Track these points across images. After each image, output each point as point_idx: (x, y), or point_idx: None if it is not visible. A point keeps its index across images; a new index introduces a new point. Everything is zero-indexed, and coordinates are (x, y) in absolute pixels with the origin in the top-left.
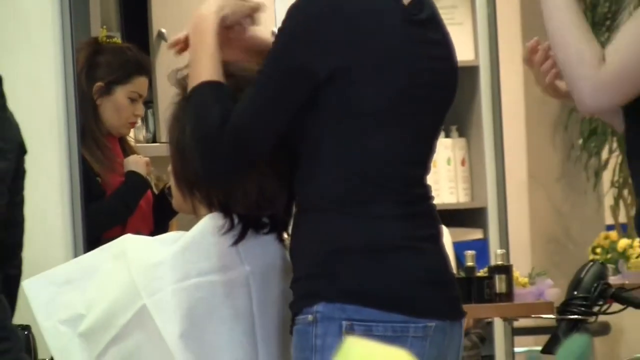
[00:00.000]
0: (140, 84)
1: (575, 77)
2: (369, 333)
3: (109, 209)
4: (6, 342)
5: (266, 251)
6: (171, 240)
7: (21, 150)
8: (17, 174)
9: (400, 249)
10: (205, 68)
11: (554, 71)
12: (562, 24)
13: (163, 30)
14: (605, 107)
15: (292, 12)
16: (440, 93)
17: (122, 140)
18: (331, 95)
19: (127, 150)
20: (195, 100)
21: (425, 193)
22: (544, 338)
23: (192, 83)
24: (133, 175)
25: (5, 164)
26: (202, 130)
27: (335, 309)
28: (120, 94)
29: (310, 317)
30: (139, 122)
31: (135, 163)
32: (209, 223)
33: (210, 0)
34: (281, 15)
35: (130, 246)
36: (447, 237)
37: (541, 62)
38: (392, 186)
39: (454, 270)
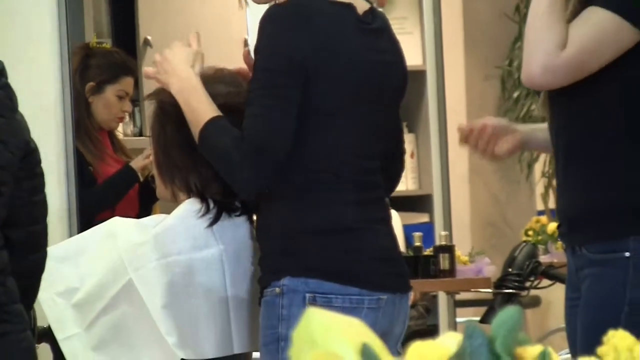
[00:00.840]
0: (127, 83)
1: (531, 54)
2: (329, 304)
3: (102, 194)
4: (6, 325)
5: (238, 232)
6: (154, 223)
7: (28, 148)
8: (31, 174)
9: (355, 230)
10: (204, 111)
11: (490, 149)
12: (536, 11)
13: (149, 37)
14: (550, 86)
15: (262, 25)
16: (390, 93)
17: (111, 134)
18: (303, 92)
19: (116, 143)
20: (205, 141)
21: (377, 181)
22: (482, 309)
23: (197, 128)
24: (129, 169)
25: (8, 155)
26: (224, 163)
27: (300, 283)
28: (110, 92)
29: (277, 289)
30: (127, 117)
31: (136, 161)
32: (187, 207)
33: (175, 61)
34: (252, 24)
35: (118, 227)
36: (398, 220)
37: (475, 143)
38: (347, 176)
39: (404, 250)
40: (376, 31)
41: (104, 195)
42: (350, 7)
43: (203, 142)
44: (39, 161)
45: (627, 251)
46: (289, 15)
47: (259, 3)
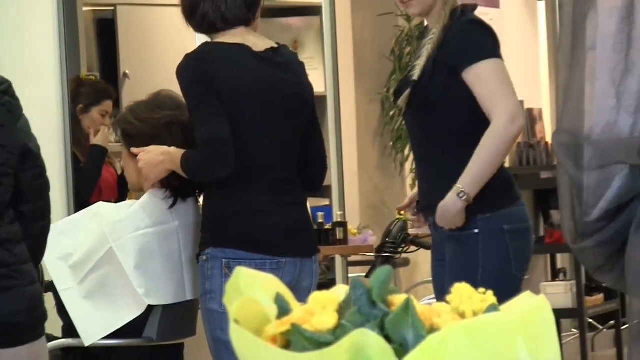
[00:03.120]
0: (108, 105)
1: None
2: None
3: (87, 174)
4: (14, 280)
5: (188, 211)
6: (128, 205)
7: (27, 149)
8: (33, 166)
9: (265, 212)
10: (178, 158)
11: (421, 221)
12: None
13: (127, 71)
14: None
15: (178, 72)
16: (293, 111)
17: None
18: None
19: None
20: (185, 170)
21: (289, 177)
22: (367, 268)
23: (180, 167)
24: (95, 147)
25: (6, 155)
26: (198, 172)
27: (218, 252)
28: (95, 112)
29: (204, 257)
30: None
31: (97, 139)
32: (151, 194)
33: (151, 155)
34: None
35: (102, 209)
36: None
37: (413, 215)
38: (263, 172)
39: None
40: (278, 64)
41: (88, 174)
42: (243, 46)
43: (185, 172)
44: (38, 156)
45: (476, 229)
46: (193, 59)
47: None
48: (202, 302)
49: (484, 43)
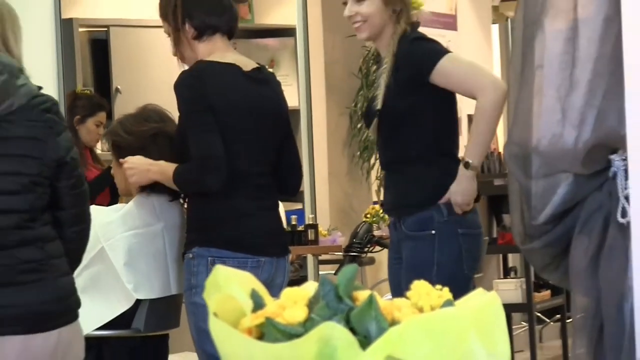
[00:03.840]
0: (101, 116)
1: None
2: (223, 265)
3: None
4: (43, 273)
5: (173, 213)
6: (118, 208)
7: (63, 161)
8: (69, 177)
9: (248, 215)
10: (169, 171)
11: None
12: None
13: (119, 86)
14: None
15: (175, 88)
16: (272, 122)
17: (92, 150)
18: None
19: (95, 156)
20: (178, 183)
21: (268, 182)
22: (336, 266)
23: (171, 180)
24: (109, 173)
25: (42, 167)
26: (192, 185)
27: (204, 251)
28: (90, 122)
29: (191, 255)
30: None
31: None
32: (138, 199)
33: (140, 162)
34: None
35: (95, 212)
36: (281, 208)
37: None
38: (247, 180)
39: (285, 226)
40: (260, 81)
41: (92, 189)
42: (235, 66)
43: (177, 184)
44: (74, 169)
45: (434, 230)
46: (189, 77)
47: (188, 65)
48: (187, 296)
49: (433, 48)
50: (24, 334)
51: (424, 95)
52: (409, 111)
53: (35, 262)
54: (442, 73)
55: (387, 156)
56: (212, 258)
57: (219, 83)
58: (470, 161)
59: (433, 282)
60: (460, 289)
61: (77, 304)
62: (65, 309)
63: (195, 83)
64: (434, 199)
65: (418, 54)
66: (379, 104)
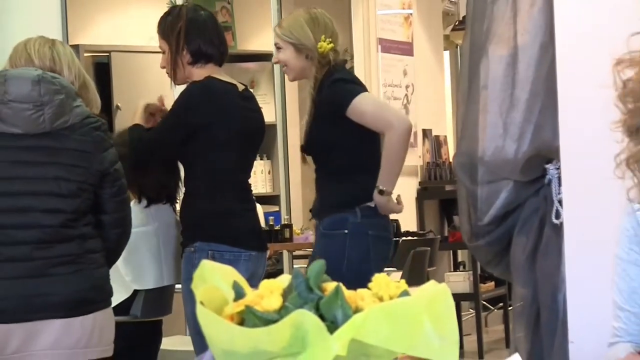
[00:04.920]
0: None
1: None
2: (222, 257)
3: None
4: (82, 265)
5: (165, 214)
6: None
7: (107, 171)
8: (111, 185)
9: (237, 214)
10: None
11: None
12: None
13: (119, 104)
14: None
15: (182, 93)
16: (256, 137)
17: None
18: (204, 134)
19: None
20: (130, 134)
21: (249, 187)
22: (307, 261)
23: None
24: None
25: (88, 176)
26: (131, 146)
27: (204, 245)
28: None
29: (192, 248)
30: None
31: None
32: (136, 204)
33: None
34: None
35: None
36: (260, 210)
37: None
38: (237, 184)
39: (264, 226)
40: (248, 99)
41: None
42: (234, 85)
43: (130, 137)
44: (117, 179)
45: (346, 229)
46: (196, 89)
47: (177, 85)
48: (186, 285)
49: (349, 87)
50: (63, 317)
51: (343, 127)
52: (330, 141)
53: (74, 256)
54: (355, 111)
55: (317, 173)
56: (212, 251)
57: (223, 99)
58: (384, 188)
59: (343, 275)
60: (367, 282)
61: (110, 292)
62: (100, 296)
63: (201, 94)
64: (351, 204)
65: (337, 95)
66: (304, 140)
